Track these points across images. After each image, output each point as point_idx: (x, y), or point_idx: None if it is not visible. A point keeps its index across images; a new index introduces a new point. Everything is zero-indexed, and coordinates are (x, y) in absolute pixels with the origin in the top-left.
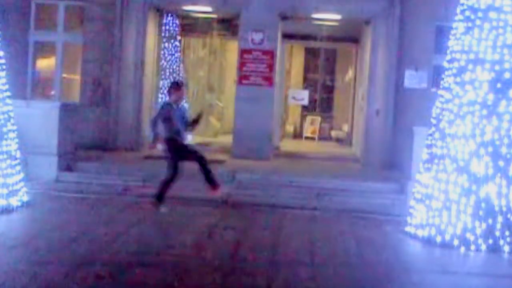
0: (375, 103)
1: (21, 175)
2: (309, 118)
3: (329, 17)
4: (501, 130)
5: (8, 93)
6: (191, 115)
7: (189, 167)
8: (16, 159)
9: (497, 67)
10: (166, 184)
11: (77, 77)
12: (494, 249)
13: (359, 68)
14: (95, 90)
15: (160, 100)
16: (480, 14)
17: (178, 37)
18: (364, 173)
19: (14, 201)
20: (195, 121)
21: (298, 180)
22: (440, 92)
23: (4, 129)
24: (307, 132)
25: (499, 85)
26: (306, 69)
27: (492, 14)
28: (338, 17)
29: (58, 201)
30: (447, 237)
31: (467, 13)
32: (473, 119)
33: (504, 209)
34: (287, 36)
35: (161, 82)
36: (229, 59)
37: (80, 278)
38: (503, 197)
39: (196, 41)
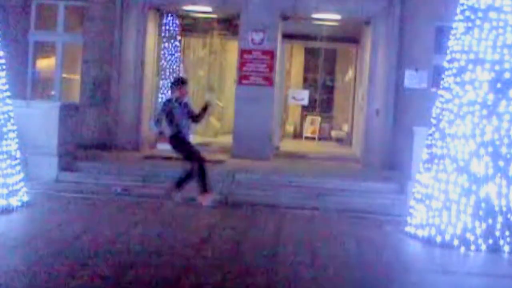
0: (375, 103)
1: (21, 175)
2: (309, 118)
3: (329, 17)
4: (501, 130)
5: (8, 93)
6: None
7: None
8: (16, 159)
9: (497, 67)
10: (201, 176)
11: (77, 77)
12: (494, 249)
13: (359, 68)
14: (95, 90)
15: (160, 100)
16: (480, 14)
17: (178, 37)
18: (364, 173)
19: (14, 201)
20: (204, 110)
21: (298, 180)
22: (440, 92)
23: (4, 129)
24: (307, 132)
25: (499, 85)
26: (306, 69)
27: (492, 14)
28: (338, 17)
29: (58, 201)
30: (447, 237)
31: (467, 13)
32: (473, 119)
33: (504, 209)
34: (287, 36)
35: (161, 82)
36: (229, 59)
37: (80, 278)
38: (503, 197)
39: (196, 41)
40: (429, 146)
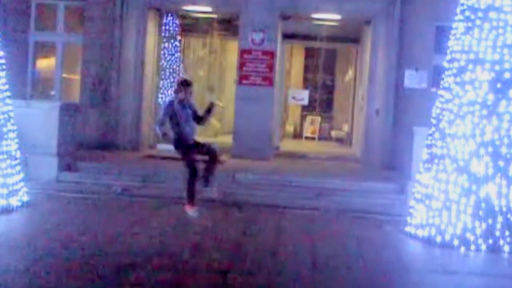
0: (375, 103)
1: (21, 175)
2: (309, 118)
3: (329, 17)
4: (501, 130)
5: (8, 93)
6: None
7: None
8: (16, 159)
9: (497, 67)
10: (189, 185)
11: (77, 77)
12: (494, 249)
13: (359, 68)
14: (95, 90)
15: (160, 100)
16: (480, 14)
17: (178, 37)
18: (364, 173)
19: (14, 201)
20: (208, 111)
21: (298, 180)
22: (440, 92)
23: (4, 129)
24: (307, 132)
25: (499, 85)
26: (306, 69)
27: (492, 14)
28: (338, 17)
29: (58, 201)
30: (447, 237)
31: (467, 13)
32: (473, 119)
33: (504, 209)
34: (287, 36)
35: (161, 82)
36: (229, 59)
37: (80, 277)
38: (503, 197)
39: (196, 41)
40: (429, 146)
